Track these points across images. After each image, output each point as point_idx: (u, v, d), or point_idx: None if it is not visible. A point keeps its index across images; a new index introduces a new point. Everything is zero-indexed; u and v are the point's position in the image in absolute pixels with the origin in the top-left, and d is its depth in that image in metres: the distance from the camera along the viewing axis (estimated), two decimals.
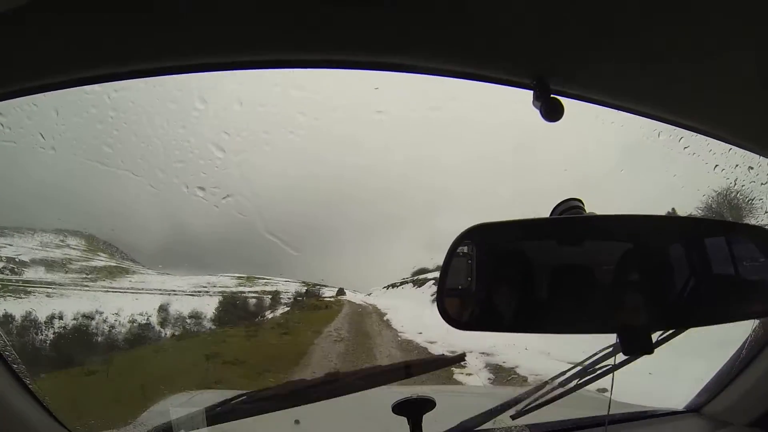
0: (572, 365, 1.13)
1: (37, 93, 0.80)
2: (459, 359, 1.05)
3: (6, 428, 0.88)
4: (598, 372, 1.07)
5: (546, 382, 1.13)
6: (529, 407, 1.09)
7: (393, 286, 28.73)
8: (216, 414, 0.97)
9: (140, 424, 1.30)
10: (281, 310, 22.23)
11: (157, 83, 0.94)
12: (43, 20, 0.62)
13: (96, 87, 0.88)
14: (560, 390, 1.11)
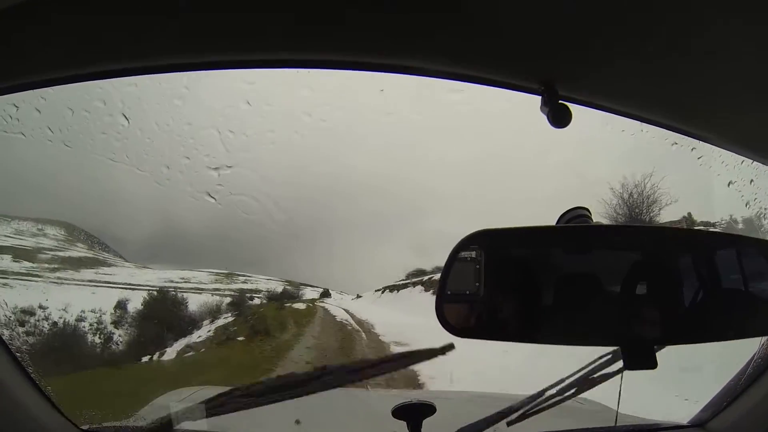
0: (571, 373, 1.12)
1: (46, 87, 0.81)
2: (448, 349, 1.04)
3: (9, 418, 0.89)
4: (597, 380, 1.06)
5: (544, 390, 1.11)
6: (525, 414, 1.08)
7: (393, 289, 22.51)
8: (214, 407, 0.99)
9: (141, 418, 1.33)
10: (196, 339, 15.80)
11: (163, 80, 0.94)
12: (52, 14, 0.62)
13: (104, 82, 0.88)
14: (558, 398, 1.09)
